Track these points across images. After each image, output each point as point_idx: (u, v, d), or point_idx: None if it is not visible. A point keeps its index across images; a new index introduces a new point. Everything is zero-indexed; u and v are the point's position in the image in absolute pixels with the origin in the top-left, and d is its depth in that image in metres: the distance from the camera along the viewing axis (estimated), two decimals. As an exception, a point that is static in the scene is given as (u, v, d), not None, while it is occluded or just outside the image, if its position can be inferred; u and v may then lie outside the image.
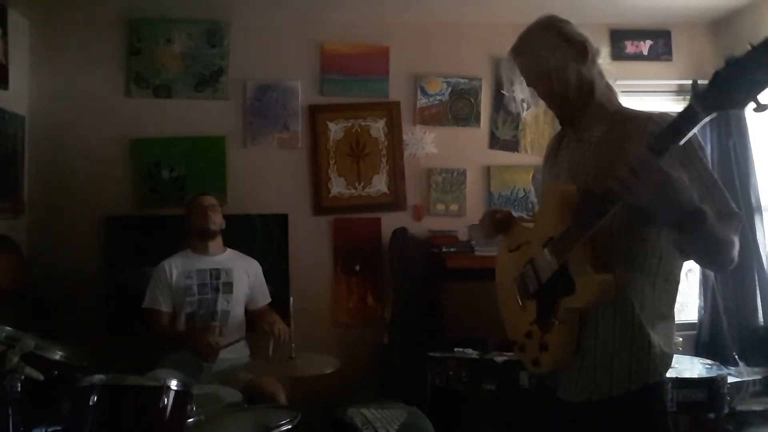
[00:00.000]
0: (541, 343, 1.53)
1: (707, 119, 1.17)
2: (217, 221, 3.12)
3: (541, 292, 1.55)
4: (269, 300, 3.23)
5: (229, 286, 3.06)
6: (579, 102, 1.56)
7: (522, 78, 1.62)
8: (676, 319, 1.55)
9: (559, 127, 1.71)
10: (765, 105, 1.11)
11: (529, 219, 1.67)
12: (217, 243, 3.15)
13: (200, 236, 3.11)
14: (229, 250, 3.20)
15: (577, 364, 1.50)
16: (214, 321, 2.98)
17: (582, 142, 1.56)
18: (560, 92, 1.55)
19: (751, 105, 1.11)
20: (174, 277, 3.03)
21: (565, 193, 1.48)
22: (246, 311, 3.13)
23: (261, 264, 3.26)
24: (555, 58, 1.53)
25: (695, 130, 1.20)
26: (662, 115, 1.46)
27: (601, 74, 1.58)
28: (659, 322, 1.48)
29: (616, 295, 1.41)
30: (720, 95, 1.13)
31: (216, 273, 3.06)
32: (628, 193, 1.25)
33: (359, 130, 3.71)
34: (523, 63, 1.60)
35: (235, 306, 3.06)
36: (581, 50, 1.54)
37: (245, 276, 3.14)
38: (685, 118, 1.20)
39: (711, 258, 1.41)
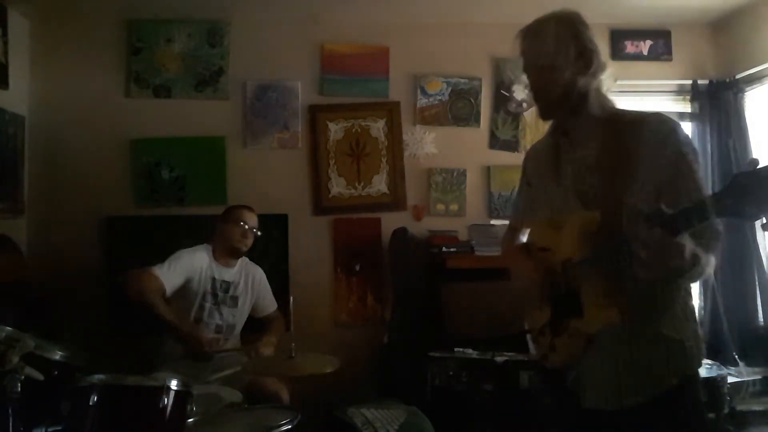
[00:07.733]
0: (551, 345, 1.60)
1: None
2: (249, 244, 3.03)
3: (555, 302, 1.60)
4: (275, 306, 3.19)
5: (234, 300, 3.01)
6: (564, 107, 1.58)
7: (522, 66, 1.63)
8: None
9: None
10: None
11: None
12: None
13: (228, 251, 3.02)
14: (240, 260, 3.10)
15: (602, 370, 1.50)
16: (219, 334, 2.94)
17: (581, 160, 1.56)
18: (550, 90, 1.57)
19: (762, 221, 1.09)
20: (193, 272, 2.86)
21: (587, 220, 1.49)
22: (254, 319, 3.12)
23: (261, 264, 3.23)
24: (558, 57, 1.53)
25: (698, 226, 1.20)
26: (657, 115, 1.51)
27: (599, 90, 1.57)
28: (684, 319, 1.50)
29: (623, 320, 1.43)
30: (733, 200, 1.10)
31: (226, 286, 2.99)
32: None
33: (359, 130, 3.71)
34: (527, 47, 1.60)
35: (239, 320, 3.03)
36: (586, 61, 1.54)
37: (250, 289, 3.09)
38: (696, 215, 1.18)
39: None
